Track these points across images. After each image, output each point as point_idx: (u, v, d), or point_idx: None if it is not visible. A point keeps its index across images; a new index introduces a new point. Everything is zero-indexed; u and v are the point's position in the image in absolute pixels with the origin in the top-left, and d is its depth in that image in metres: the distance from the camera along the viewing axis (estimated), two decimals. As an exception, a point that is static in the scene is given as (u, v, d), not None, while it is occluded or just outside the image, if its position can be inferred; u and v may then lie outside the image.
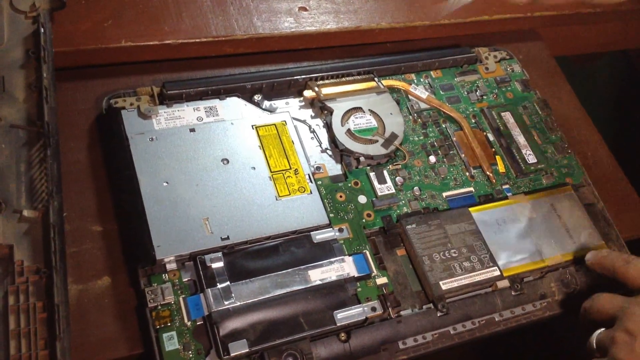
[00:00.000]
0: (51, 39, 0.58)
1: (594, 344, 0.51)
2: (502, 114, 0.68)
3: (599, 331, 0.52)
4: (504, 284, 0.57)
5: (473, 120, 0.67)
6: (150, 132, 0.57)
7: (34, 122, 0.54)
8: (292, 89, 0.64)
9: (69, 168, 0.56)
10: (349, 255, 0.55)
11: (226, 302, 0.50)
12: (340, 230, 0.57)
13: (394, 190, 0.60)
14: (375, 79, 0.66)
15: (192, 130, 0.58)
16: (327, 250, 0.55)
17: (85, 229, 0.53)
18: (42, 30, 0.57)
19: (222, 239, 0.53)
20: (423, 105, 0.67)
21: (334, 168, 0.61)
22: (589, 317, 0.53)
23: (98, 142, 0.58)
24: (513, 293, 0.57)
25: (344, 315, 0.52)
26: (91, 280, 0.51)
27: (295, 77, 0.64)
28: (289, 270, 0.53)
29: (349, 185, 0.60)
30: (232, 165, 0.57)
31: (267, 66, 0.67)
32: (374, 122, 0.64)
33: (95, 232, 0.53)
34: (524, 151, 0.66)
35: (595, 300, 0.53)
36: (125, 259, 0.53)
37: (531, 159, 0.66)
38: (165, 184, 0.54)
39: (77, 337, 0.48)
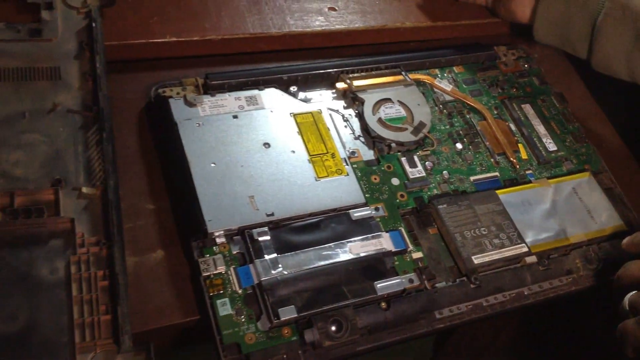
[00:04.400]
0: (102, 32, 0.62)
1: (627, 306, 0.54)
2: (522, 105, 0.72)
3: (631, 293, 0.55)
4: (532, 259, 0.60)
5: (495, 112, 0.71)
6: (196, 119, 0.60)
7: (89, 108, 0.58)
8: (325, 82, 0.68)
9: (120, 152, 0.59)
10: (386, 231, 0.58)
11: (274, 272, 0.53)
12: (376, 209, 0.60)
13: (424, 174, 0.64)
14: (402, 72, 0.70)
15: (235, 117, 0.61)
16: (364, 227, 0.58)
17: (138, 207, 0.57)
18: (93, 24, 0.61)
19: (268, 215, 0.56)
20: (448, 98, 0.71)
21: (367, 153, 0.64)
22: (621, 283, 0.56)
23: (147, 128, 0.61)
24: (541, 268, 0.60)
25: (384, 286, 0.55)
26: (146, 253, 0.54)
27: (328, 70, 0.67)
28: (331, 244, 0.56)
29: (382, 168, 0.63)
30: (273, 149, 0.60)
31: (299, 62, 0.71)
32: (403, 112, 0.67)
33: (148, 210, 0.57)
34: (544, 140, 0.70)
35: (627, 267, 0.57)
36: (177, 234, 0.56)
37: (551, 147, 0.70)
38: (212, 164, 0.58)
39: (134, 305, 0.51)
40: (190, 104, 0.61)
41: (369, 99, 0.67)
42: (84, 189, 0.53)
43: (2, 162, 0.53)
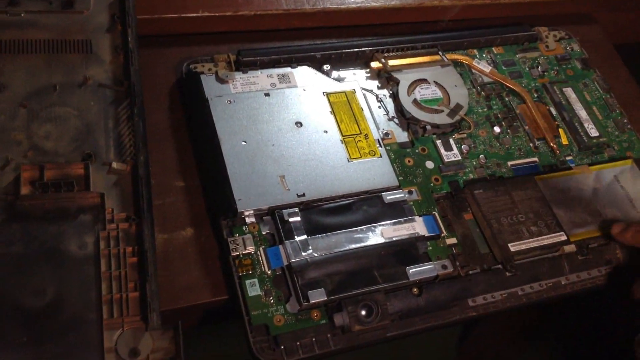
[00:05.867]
0: (134, 6, 0.60)
1: None
2: (564, 89, 0.70)
3: None
4: (570, 248, 0.58)
5: (535, 95, 0.69)
6: (228, 95, 0.59)
7: (120, 82, 0.57)
8: (359, 61, 0.66)
9: (150, 128, 0.58)
10: (419, 216, 0.57)
11: (304, 254, 0.52)
12: (410, 192, 0.58)
13: (460, 158, 0.62)
14: (440, 52, 0.68)
15: (267, 94, 0.60)
16: (397, 210, 0.56)
17: (168, 184, 0.56)
18: (126, -3, 0.60)
19: (298, 196, 0.55)
20: (486, 79, 0.69)
21: (401, 135, 0.62)
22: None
23: (177, 104, 0.61)
24: (579, 258, 0.58)
25: (416, 271, 0.53)
26: (175, 230, 0.54)
27: (362, 49, 0.66)
28: (363, 227, 0.55)
29: (417, 151, 0.61)
30: (306, 128, 0.59)
31: (333, 40, 0.69)
32: (439, 93, 0.65)
33: (178, 187, 0.56)
34: (586, 125, 0.67)
35: None
36: (207, 213, 0.55)
37: (593, 132, 0.67)
38: (243, 143, 0.56)
39: (163, 282, 0.50)
40: (221, 80, 0.60)
41: (404, 79, 0.65)
42: (114, 164, 0.53)
43: (33, 135, 0.53)
